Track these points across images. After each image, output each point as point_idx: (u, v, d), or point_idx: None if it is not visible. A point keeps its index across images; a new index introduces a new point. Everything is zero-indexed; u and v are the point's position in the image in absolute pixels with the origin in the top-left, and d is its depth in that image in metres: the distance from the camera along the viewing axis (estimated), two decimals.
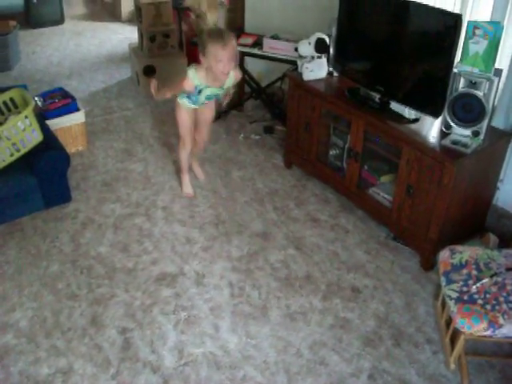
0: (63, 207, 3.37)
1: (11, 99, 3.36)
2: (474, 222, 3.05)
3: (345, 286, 2.83)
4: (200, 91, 3.06)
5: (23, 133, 3.13)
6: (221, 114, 4.43)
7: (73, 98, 3.95)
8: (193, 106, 3.22)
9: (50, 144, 3.28)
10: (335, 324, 2.59)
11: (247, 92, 4.60)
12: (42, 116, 3.64)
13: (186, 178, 3.56)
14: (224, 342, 2.48)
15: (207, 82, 3.01)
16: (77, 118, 3.89)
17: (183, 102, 3.20)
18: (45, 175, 3.17)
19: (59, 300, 2.69)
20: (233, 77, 3.07)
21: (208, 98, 3.16)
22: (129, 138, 4.23)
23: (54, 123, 3.73)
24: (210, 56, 2.85)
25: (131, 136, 4.26)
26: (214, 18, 3.05)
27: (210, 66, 2.90)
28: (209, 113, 3.40)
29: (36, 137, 3.20)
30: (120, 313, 2.62)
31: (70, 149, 3.89)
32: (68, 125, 3.85)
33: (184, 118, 3.27)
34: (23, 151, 3.17)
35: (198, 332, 2.53)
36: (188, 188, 3.54)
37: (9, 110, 3.36)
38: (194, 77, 2.98)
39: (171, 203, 3.45)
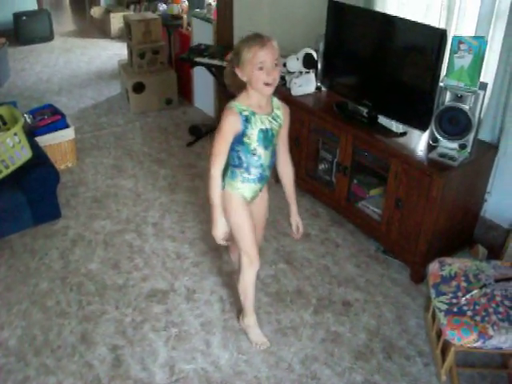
0: (53, 224, 3.36)
1: (0, 116, 3.36)
2: (462, 234, 3.07)
3: (336, 299, 2.83)
4: (248, 121, 2.14)
5: (12, 149, 3.12)
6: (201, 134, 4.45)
7: (62, 115, 3.95)
8: (252, 191, 2.35)
9: (40, 161, 3.27)
10: (326, 338, 2.59)
11: None
12: (31, 133, 3.64)
13: (253, 320, 2.59)
14: (215, 358, 2.47)
15: (252, 106, 2.17)
16: (66, 135, 3.90)
17: (237, 189, 2.30)
18: (34, 192, 3.16)
19: (49, 318, 2.67)
20: (282, 106, 2.32)
21: (265, 141, 2.23)
22: (118, 154, 4.24)
23: (44, 140, 3.73)
24: (247, 63, 2.08)
25: (121, 152, 4.26)
26: None
27: (249, 79, 2.10)
28: (263, 204, 2.57)
29: (25, 153, 3.20)
30: (110, 330, 2.61)
31: (60, 165, 3.89)
32: (57, 141, 3.85)
33: (243, 217, 2.32)
34: (12, 168, 3.16)
35: (189, 348, 2.52)
36: (261, 336, 2.57)
37: None
38: (236, 105, 2.16)
39: (161, 219, 3.45)
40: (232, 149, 2.20)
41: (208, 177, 2.20)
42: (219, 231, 2.25)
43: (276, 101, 2.29)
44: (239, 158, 2.23)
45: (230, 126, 2.14)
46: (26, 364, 2.41)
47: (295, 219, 2.54)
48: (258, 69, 2.07)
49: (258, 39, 2.14)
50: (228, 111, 2.15)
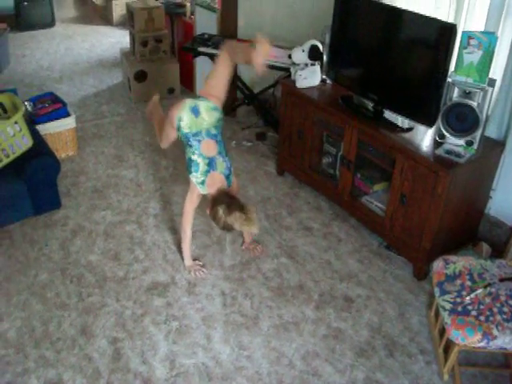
0: (53, 214, 3.33)
1: (0, 104, 3.32)
2: (466, 231, 3.05)
3: (337, 295, 2.81)
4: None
5: (13, 138, 3.09)
6: None
7: (63, 103, 3.90)
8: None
9: (40, 150, 3.23)
10: (328, 334, 2.57)
11: (239, 98, 4.58)
12: (31, 121, 3.60)
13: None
14: (216, 353, 2.45)
15: None
16: (67, 124, 3.85)
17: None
18: (34, 181, 3.13)
19: (48, 309, 2.64)
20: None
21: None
22: (120, 143, 4.20)
23: (44, 128, 3.69)
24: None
25: (122, 142, 4.22)
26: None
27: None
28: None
29: (26, 142, 3.16)
30: (110, 322, 2.58)
31: (60, 154, 3.85)
32: (58, 130, 3.81)
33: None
34: (12, 157, 3.12)
35: (190, 342, 2.50)
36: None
37: None
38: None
39: (162, 210, 3.42)
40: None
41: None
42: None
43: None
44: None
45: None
46: (26, 356, 2.39)
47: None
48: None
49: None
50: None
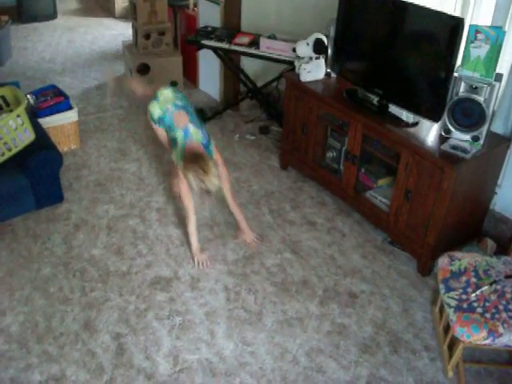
0: (55, 208, 3.31)
1: (3, 97, 3.30)
2: (471, 226, 3.03)
3: (341, 291, 2.79)
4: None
5: (15, 132, 3.07)
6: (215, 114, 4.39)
7: (65, 96, 3.88)
8: None
9: (43, 143, 3.22)
10: (332, 330, 2.56)
11: (243, 91, 4.55)
12: (34, 114, 3.58)
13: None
14: (219, 349, 2.44)
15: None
16: (69, 117, 3.83)
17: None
18: (37, 175, 3.11)
19: (51, 304, 2.64)
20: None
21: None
22: (122, 137, 4.18)
23: (47, 122, 3.67)
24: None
25: (125, 135, 4.20)
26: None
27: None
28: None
29: (28, 136, 3.14)
30: (114, 317, 2.58)
31: (63, 148, 3.83)
32: (61, 123, 3.79)
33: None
34: (15, 151, 3.11)
35: (193, 338, 2.49)
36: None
37: (0, 108, 3.30)
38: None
39: (165, 204, 3.40)
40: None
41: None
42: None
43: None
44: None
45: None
46: (28, 351, 2.39)
47: (245, 233, 3.11)
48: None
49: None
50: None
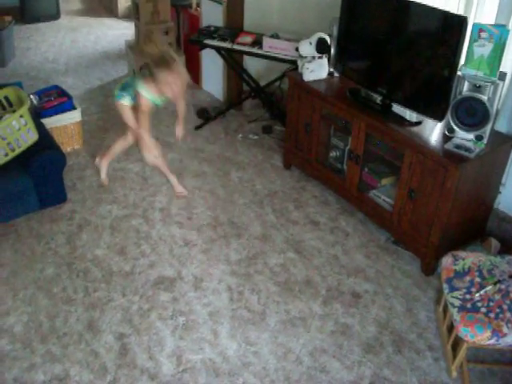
0: (59, 208, 3.32)
1: (6, 98, 3.30)
2: (475, 226, 3.02)
3: (345, 290, 2.79)
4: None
5: (18, 132, 3.07)
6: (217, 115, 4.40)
7: (69, 97, 3.89)
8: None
9: (46, 143, 3.22)
10: (336, 330, 2.56)
11: (246, 91, 4.55)
12: (37, 114, 3.59)
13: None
14: (223, 349, 2.44)
15: (154, 91, 3.06)
16: (73, 117, 3.84)
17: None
18: (40, 175, 3.12)
19: (55, 304, 2.64)
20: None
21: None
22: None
23: (50, 122, 3.68)
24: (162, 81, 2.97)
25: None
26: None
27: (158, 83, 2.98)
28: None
29: (31, 136, 3.15)
30: (117, 318, 2.58)
31: (66, 148, 3.84)
32: (64, 123, 3.79)
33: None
34: (18, 151, 3.11)
35: (197, 338, 2.49)
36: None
37: (3, 109, 3.30)
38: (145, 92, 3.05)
39: (169, 204, 3.40)
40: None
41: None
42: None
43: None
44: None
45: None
46: (32, 351, 2.39)
47: (179, 127, 3.39)
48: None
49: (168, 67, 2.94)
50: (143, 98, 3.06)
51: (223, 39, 3.96)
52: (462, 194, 2.67)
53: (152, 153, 3.29)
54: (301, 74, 3.39)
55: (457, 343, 2.32)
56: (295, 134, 3.60)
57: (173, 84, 2.97)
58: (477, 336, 2.08)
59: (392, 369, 2.38)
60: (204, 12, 4.70)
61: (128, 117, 3.20)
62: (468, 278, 2.31)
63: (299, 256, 3.01)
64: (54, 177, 3.21)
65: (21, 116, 3.06)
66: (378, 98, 3.06)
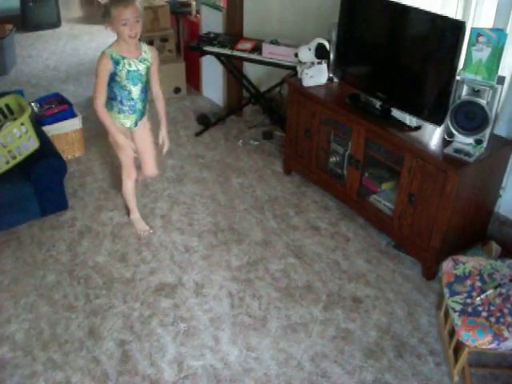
0: (60, 215, 3.33)
1: (7, 105, 3.31)
2: (475, 230, 3.02)
3: (346, 295, 2.79)
4: (118, 63, 2.75)
5: (19, 140, 3.08)
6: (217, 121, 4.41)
7: (69, 104, 3.90)
8: (129, 120, 2.94)
9: (47, 151, 3.23)
10: (337, 335, 2.56)
11: (246, 97, 4.56)
12: (38, 122, 3.60)
13: (137, 216, 3.29)
14: (224, 355, 2.44)
15: (122, 52, 2.76)
16: (73, 124, 3.85)
17: (115, 118, 2.88)
18: (41, 183, 3.13)
19: (56, 311, 2.64)
20: (149, 50, 2.88)
21: (133, 79, 2.81)
22: None
23: (51, 129, 3.69)
24: (115, 21, 2.68)
25: None
26: None
27: (117, 32, 2.73)
28: (144, 131, 3.08)
29: (32, 144, 3.16)
30: (118, 324, 2.58)
31: (67, 155, 3.85)
32: (65, 131, 3.81)
33: (122, 138, 2.88)
34: (19, 158, 3.12)
35: (198, 344, 2.49)
36: (144, 225, 3.25)
37: (5, 116, 3.31)
38: (108, 50, 2.77)
39: (169, 211, 3.41)
40: (108, 85, 2.78)
41: (95, 110, 2.78)
42: (125, 142, 2.89)
43: (144, 46, 2.88)
44: (114, 93, 2.81)
45: (104, 67, 2.75)
46: (34, 358, 2.39)
47: (162, 135, 3.09)
48: (124, 24, 2.66)
49: (122, 1, 2.65)
50: (102, 56, 2.78)
51: (223, 46, 3.98)
52: (462, 198, 2.67)
53: (131, 177, 3.13)
54: (300, 80, 3.40)
55: (458, 348, 2.32)
56: (295, 140, 3.61)
57: (129, 22, 2.66)
58: (478, 340, 2.08)
59: (393, 374, 2.37)
60: (203, 19, 4.72)
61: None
62: (469, 282, 2.30)
63: (300, 261, 3.01)
64: (55, 184, 3.22)
65: (22, 124, 3.07)
66: (378, 103, 3.06)
